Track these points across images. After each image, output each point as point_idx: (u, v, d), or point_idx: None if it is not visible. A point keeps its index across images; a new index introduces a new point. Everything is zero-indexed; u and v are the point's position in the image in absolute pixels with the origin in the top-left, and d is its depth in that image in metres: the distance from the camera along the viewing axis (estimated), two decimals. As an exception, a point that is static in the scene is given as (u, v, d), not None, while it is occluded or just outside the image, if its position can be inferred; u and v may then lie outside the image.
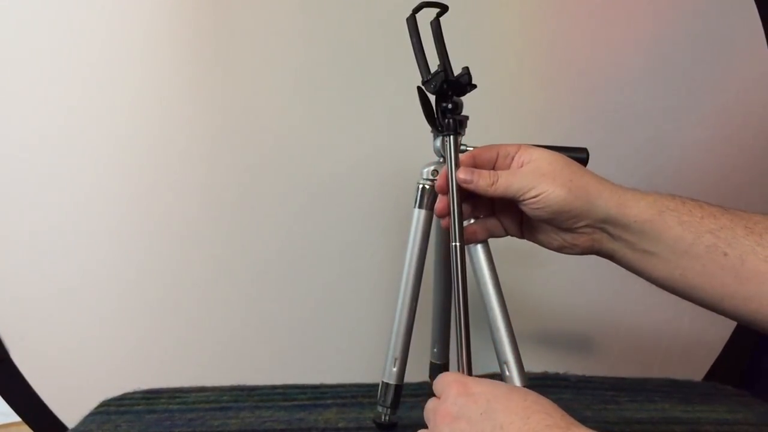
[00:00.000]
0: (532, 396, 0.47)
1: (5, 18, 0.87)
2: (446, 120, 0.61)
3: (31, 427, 0.98)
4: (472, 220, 0.64)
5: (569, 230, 0.59)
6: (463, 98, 0.63)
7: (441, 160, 0.66)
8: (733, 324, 1.04)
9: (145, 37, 0.90)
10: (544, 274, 1.00)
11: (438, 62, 0.61)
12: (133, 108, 0.91)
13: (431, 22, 0.60)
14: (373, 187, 0.96)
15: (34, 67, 0.89)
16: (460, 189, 0.59)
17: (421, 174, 0.68)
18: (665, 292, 0.59)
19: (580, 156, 0.64)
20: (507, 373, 0.63)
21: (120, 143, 0.92)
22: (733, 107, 0.99)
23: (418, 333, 0.70)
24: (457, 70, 0.60)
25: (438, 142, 0.64)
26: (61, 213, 0.92)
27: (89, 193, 0.92)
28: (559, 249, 0.62)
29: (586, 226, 0.58)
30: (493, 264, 0.64)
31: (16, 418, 0.97)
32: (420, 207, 0.67)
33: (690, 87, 0.98)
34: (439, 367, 0.81)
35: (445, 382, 0.51)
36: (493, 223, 0.64)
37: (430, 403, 0.51)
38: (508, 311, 0.63)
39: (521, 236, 0.64)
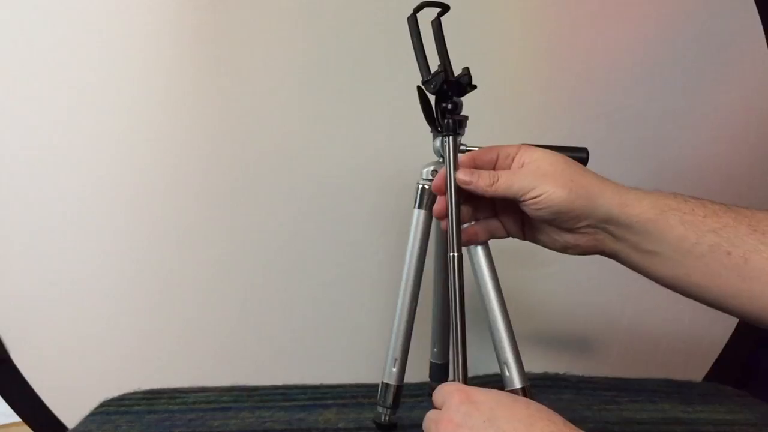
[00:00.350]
0: (535, 405, 0.47)
1: (5, 18, 0.87)
2: (446, 120, 0.61)
3: (31, 427, 0.98)
4: (473, 222, 0.63)
5: (571, 231, 0.59)
6: (462, 98, 0.63)
7: (440, 160, 0.66)
8: (734, 324, 1.04)
9: (146, 38, 0.90)
10: (544, 275, 1.00)
11: (438, 62, 0.61)
12: (133, 108, 0.91)
13: (432, 22, 0.60)
14: (373, 188, 0.96)
15: (35, 67, 0.89)
16: (459, 190, 0.59)
17: (421, 174, 0.68)
18: (665, 292, 0.59)
19: (580, 156, 0.64)
20: (507, 373, 0.63)
21: (120, 143, 0.92)
22: (733, 107, 0.99)
23: (418, 333, 0.70)
24: (457, 70, 0.60)
25: (437, 143, 0.64)
26: (61, 213, 0.92)
27: (89, 193, 0.92)
28: (562, 249, 0.61)
29: (588, 226, 0.58)
30: (492, 264, 0.64)
31: (16, 419, 0.97)
32: (420, 207, 0.67)
33: (690, 87, 0.98)
34: (439, 366, 0.81)
35: (446, 392, 0.50)
36: (494, 224, 0.64)
37: (431, 414, 0.51)
38: (508, 311, 0.63)
39: (523, 237, 0.64)
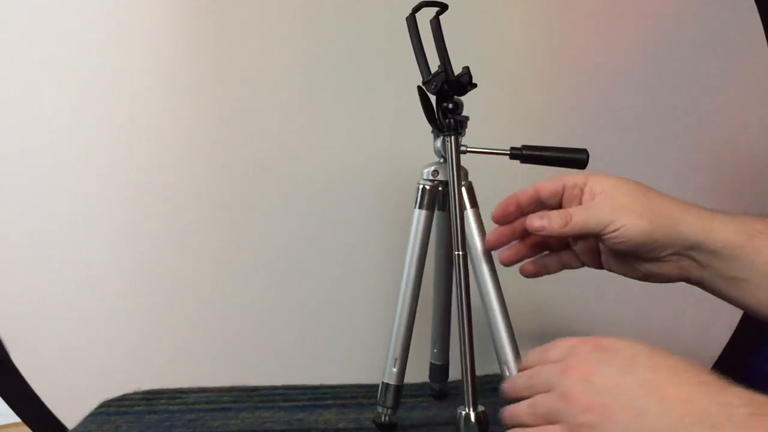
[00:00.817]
0: (676, 356, 0.43)
1: (4, 20, 0.87)
2: (447, 120, 0.61)
3: (31, 427, 0.97)
4: (546, 253, 0.62)
5: (654, 260, 0.56)
6: (463, 98, 0.63)
7: (441, 160, 0.66)
8: (734, 325, 1.04)
9: (146, 39, 0.90)
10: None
11: (438, 62, 0.61)
12: (133, 109, 0.91)
13: (431, 21, 0.60)
14: (374, 188, 0.95)
15: (34, 67, 0.89)
16: (460, 189, 0.59)
17: (422, 174, 0.68)
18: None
19: (579, 157, 0.64)
20: (507, 373, 0.63)
21: (120, 144, 0.92)
22: (733, 107, 0.99)
23: (418, 333, 0.70)
24: (457, 70, 0.60)
25: (438, 143, 0.65)
26: (61, 214, 0.92)
27: (89, 193, 0.92)
28: (644, 278, 0.58)
29: (671, 254, 0.55)
30: (493, 264, 0.64)
31: (16, 419, 0.97)
32: (420, 207, 0.67)
33: (690, 87, 0.98)
34: (439, 367, 0.81)
35: (570, 343, 0.46)
36: (567, 255, 0.61)
37: (547, 369, 0.45)
38: (508, 311, 0.63)
39: (600, 267, 0.61)
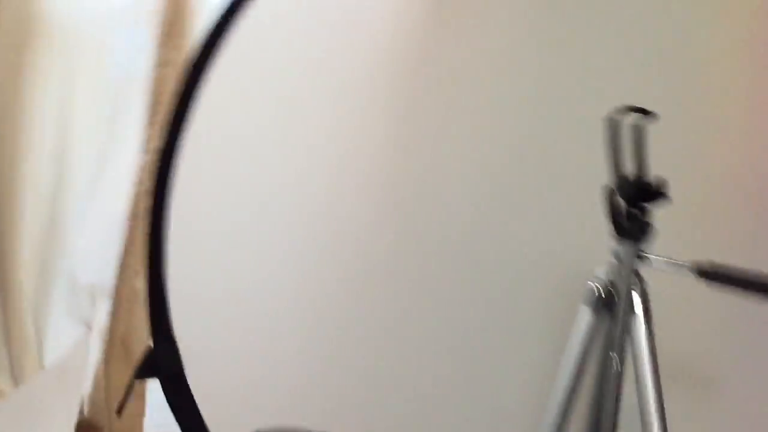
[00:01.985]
0: None
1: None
2: (629, 224, 0.61)
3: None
4: None
5: None
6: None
7: (617, 262, 0.65)
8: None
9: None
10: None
11: (631, 164, 0.61)
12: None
13: (633, 126, 0.61)
14: (546, 280, 0.94)
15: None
16: (629, 300, 0.57)
17: (594, 274, 0.67)
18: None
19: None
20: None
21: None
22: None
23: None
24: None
25: (617, 245, 0.64)
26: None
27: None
28: None
29: None
30: (659, 377, 0.61)
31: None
32: (588, 306, 0.67)
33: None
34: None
35: None
36: None
37: None
38: None
39: None
